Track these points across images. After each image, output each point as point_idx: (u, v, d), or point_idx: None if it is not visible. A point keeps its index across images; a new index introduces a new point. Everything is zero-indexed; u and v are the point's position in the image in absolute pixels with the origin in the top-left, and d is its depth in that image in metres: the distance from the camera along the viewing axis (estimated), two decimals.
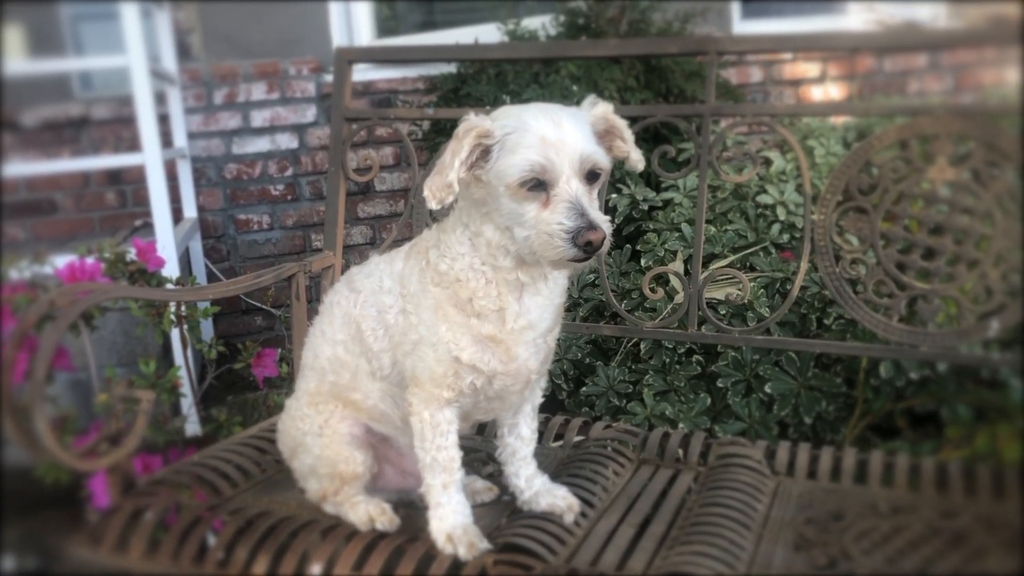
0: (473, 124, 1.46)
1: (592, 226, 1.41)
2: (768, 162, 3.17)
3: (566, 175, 1.43)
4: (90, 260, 2.52)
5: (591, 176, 1.47)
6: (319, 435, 1.68)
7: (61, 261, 2.53)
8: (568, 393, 2.95)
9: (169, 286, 2.67)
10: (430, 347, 1.54)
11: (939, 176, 1.92)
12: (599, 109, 1.55)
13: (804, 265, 2.05)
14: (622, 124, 1.57)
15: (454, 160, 1.44)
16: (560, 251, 1.42)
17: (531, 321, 1.55)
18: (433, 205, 1.45)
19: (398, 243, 1.78)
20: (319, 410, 1.70)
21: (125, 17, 3.02)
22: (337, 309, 1.71)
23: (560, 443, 2.09)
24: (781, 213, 2.95)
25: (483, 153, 1.47)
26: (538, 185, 1.43)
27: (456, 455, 1.60)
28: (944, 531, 1.58)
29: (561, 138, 1.44)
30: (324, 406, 1.70)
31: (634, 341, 2.87)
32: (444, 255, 1.54)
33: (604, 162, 1.49)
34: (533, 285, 1.54)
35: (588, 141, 1.48)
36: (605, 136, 1.56)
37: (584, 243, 1.41)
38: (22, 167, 3.69)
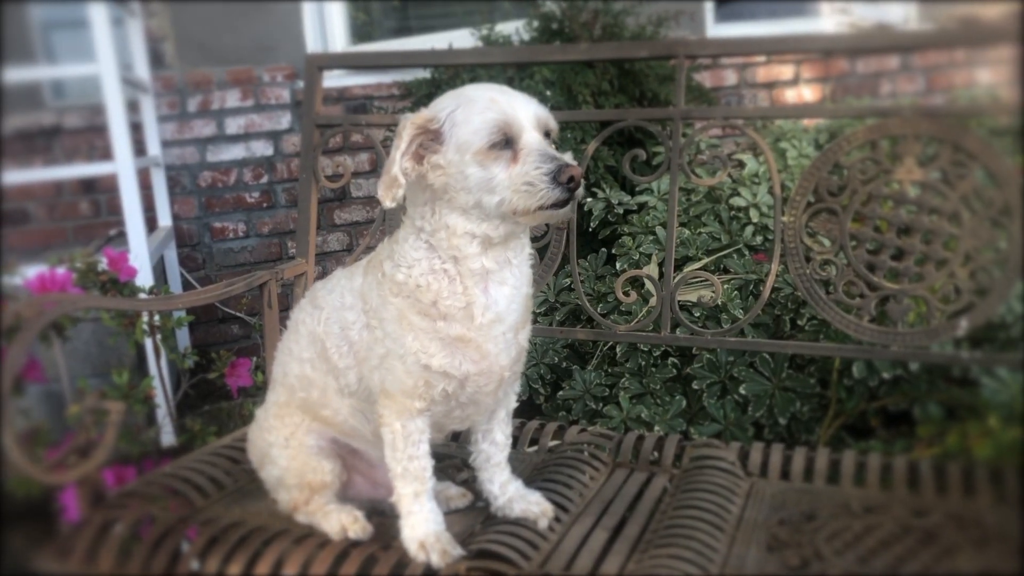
0: (410, 117, 1.50)
1: (568, 163, 1.45)
2: (741, 164, 3.19)
3: (527, 128, 1.48)
4: (61, 270, 2.50)
5: (545, 135, 1.52)
6: (285, 447, 1.67)
7: (33, 271, 2.51)
8: (545, 397, 2.95)
9: (142, 295, 2.65)
10: (398, 359, 1.53)
11: (907, 176, 1.94)
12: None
13: (775, 267, 2.07)
14: None
15: (396, 153, 1.47)
16: (543, 195, 1.44)
17: (499, 313, 1.54)
18: (387, 203, 1.48)
19: (371, 250, 1.77)
20: (284, 422, 1.69)
21: (95, 24, 3.00)
22: (303, 327, 1.70)
23: (535, 448, 2.09)
24: (754, 215, 2.97)
25: (432, 140, 1.50)
26: (504, 144, 1.46)
27: (427, 464, 1.59)
28: (915, 529, 1.59)
29: (511, 98, 1.50)
30: (290, 419, 1.69)
31: (610, 344, 2.88)
32: (399, 265, 1.54)
33: (553, 122, 1.55)
34: (499, 273, 1.54)
35: (536, 102, 1.53)
36: None
37: (567, 179, 1.44)
38: None
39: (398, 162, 1.47)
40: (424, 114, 1.50)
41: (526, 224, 1.53)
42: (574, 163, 1.46)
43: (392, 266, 1.55)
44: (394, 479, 1.59)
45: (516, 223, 1.51)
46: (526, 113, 1.49)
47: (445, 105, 1.51)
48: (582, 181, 1.47)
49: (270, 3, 4.20)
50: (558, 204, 1.46)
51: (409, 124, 1.49)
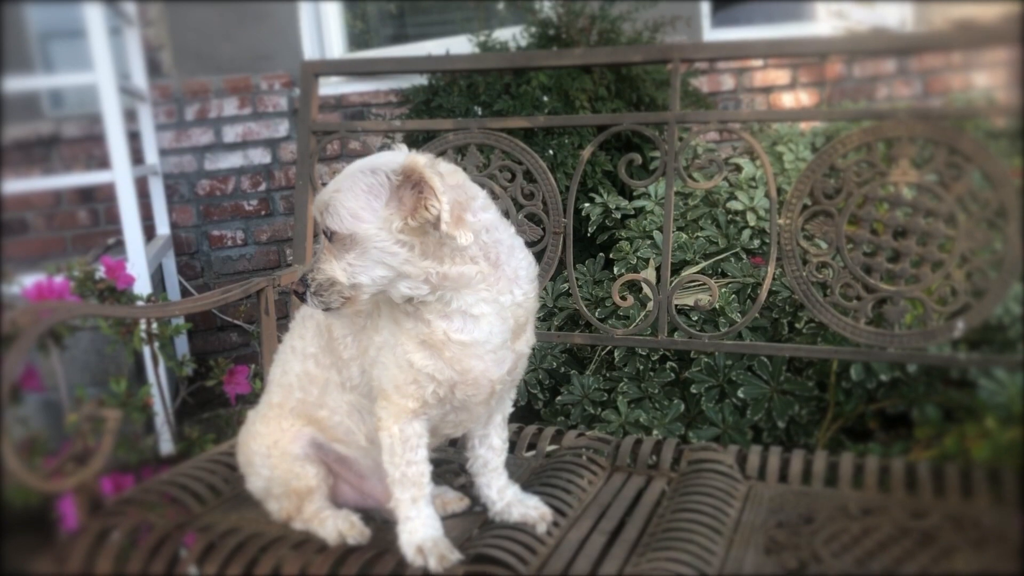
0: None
1: (304, 274, 1.51)
2: (738, 168, 3.19)
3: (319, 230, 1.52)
4: (58, 279, 2.50)
5: (328, 234, 1.48)
6: (267, 456, 1.67)
7: (31, 281, 2.51)
8: (544, 402, 2.95)
9: (139, 303, 2.65)
10: (390, 350, 1.54)
11: (902, 179, 1.94)
12: (399, 162, 1.46)
13: (772, 270, 2.07)
14: (430, 177, 1.40)
15: None
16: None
17: (475, 338, 1.52)
18: None
19: None
20: (270, 427, 1.69)
21: (92, 34, 3.00)
22: (310, 321, 1.71)
23: (533, 452, 2.09)
24: (751, 219, 2.97)
25: None
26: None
27: (425, 470, 1.59)
28: (913, 531, 1.59)
29: (317, 198, 1.51)
30: (276, 424, 1.69)
31: (608, 349, 2.88)
32: None
33: (332, 223, 1.45)
34: (463, 313, 1.52)
35: (329, 202, 1.46)
36: (418, 186, 1.43)
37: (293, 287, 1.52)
38: None
39: None
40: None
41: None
42: (307, 274, 1.51)
43: None
44: (392, 484, 1.58)
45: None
46: (314, 214, 1.53)
47: None
48: (308, 288, 1.49)
49: (267, 12, 4.21)
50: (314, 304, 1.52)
51: None
